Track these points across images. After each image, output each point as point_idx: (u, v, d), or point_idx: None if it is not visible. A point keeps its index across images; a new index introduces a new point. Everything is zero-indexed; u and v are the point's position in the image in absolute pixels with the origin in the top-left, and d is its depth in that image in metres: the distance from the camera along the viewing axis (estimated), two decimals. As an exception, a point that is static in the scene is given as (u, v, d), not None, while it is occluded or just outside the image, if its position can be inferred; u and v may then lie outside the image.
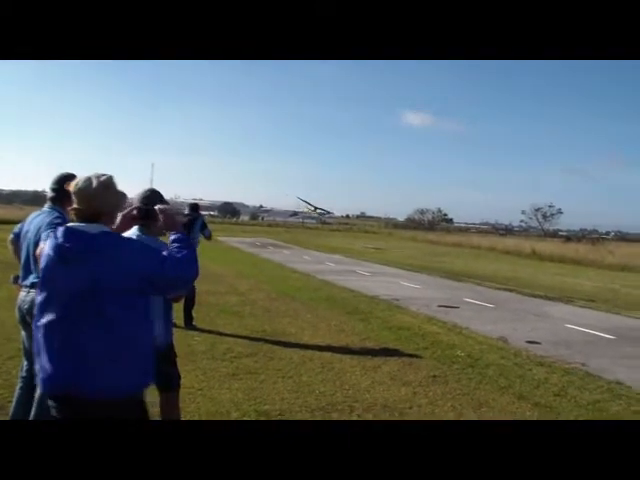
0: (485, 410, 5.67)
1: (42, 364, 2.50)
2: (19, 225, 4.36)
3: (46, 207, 4.15)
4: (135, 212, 2.94)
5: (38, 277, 2.66)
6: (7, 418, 4.27)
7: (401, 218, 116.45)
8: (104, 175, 2.58)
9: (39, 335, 2.51)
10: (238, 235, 43.69)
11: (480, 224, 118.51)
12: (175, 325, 4.89)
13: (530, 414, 5.61)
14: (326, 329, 9.27)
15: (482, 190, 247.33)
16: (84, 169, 2.70)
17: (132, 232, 3.72)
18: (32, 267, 4.00)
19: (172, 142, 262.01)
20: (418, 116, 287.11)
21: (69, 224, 2.62)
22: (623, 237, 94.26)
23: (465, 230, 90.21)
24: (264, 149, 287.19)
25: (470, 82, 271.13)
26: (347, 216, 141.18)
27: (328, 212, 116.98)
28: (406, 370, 6.97)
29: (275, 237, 45.90)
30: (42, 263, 2.57)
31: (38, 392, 3.62)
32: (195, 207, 9.76)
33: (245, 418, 5.07)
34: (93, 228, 2.52)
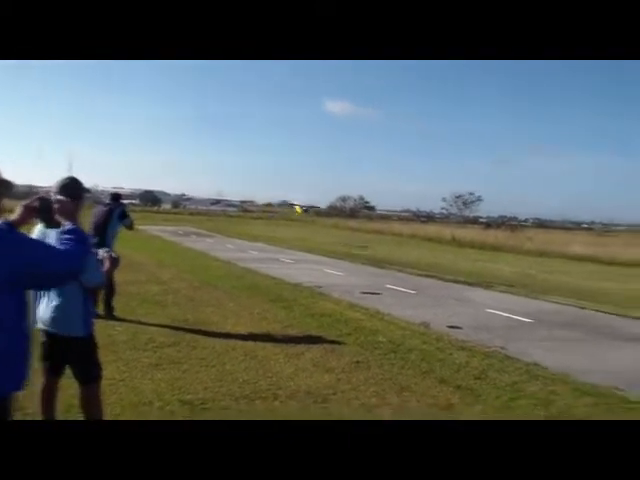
0: (407, 394, 5.83)
1: None
2: None
3: None
4: (36, 203, 2.73)
5: None
6: None
7: (323, 206, 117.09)
8: None
9: None
10: (160, 224, 42.56)
11: (401, 211, 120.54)
12: (96, 316, 4.79)
13: (451, 397, 5.81)
14: (249, 317, 9.29)
15: (404, 178, 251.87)
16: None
17: (38, 227, 3.66)
18: None
19: (93, 129, 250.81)
20: (337, 104, 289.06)
21: None
22: (541, 224, 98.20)
23: (387, 217, 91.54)
24: (189, 138, 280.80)
25: (394, 72, 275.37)
26: (269, 204, 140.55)
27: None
28: (329, 356, 7.09)
29: (198, 225, 45.07)
30: None
31: None
32: (116, 197, 9.50)
33: (168, 408, 5.06)
34: None
